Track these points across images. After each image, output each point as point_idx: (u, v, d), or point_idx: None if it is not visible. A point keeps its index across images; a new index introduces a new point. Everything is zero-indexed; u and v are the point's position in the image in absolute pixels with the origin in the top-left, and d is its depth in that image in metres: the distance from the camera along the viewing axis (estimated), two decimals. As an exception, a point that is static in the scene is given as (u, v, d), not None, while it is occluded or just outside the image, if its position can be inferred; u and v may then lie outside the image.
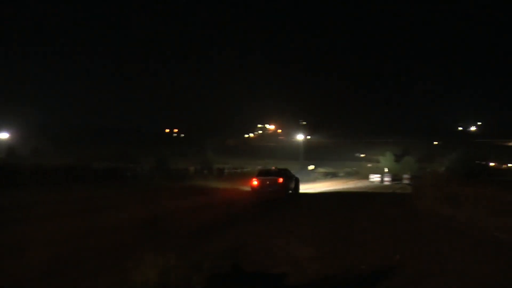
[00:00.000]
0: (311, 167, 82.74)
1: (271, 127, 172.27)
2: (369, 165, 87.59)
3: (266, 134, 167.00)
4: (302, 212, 13.47)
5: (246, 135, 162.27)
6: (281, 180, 21.58)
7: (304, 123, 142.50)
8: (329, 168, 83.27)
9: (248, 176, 46.36)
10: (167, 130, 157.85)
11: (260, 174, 23.20)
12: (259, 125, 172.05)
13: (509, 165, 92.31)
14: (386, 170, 71.38)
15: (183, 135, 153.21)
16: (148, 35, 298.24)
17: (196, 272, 5.43)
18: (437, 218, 11.76)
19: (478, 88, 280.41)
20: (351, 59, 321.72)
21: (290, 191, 22.38)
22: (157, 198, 17.75)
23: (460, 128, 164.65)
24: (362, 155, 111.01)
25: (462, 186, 14.09)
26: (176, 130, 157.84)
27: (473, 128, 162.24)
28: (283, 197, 19.89)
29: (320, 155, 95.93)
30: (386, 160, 77.98)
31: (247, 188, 23.67)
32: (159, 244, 6.98)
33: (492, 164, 75.19)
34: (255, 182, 21.80)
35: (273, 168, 25.38)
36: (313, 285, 5.56)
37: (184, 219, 11.39)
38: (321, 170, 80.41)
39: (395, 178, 47.94)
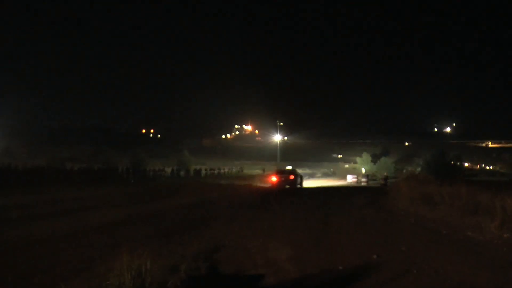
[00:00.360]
0: (288, 168, 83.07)
1: (248, 127, 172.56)
2: (346, 166, 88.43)
3: (243, 135, 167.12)
4: (277, 218, 13.52)
5: (223, 136, 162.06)
6: (292, 177, 30.32)
7: (281, 124, 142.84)
8: (306, 169, 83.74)
9: (225, 178, 46.39)
10: (144, 131, 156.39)
11: (277, 173, 32.12)
12: (236, 126, 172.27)
13: (483, 165, 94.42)
14: (363, 170, 72.12)
15: (159, 135, 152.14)
16: (124, 33, 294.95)
17: (172, 274, 5.39)
18: (413, 218, 11.93)
19: (453, 89, 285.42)
20: (329, 59, 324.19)
21: (298, 185, 30.36)
22: (124, 200, 17.57)
23: (435, 129, 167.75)
24: (339, 156, 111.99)
25: (437, 187, 14.34)
26: (152, 131, 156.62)
27: (448, 130, 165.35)
28: (294, 188, 28.24)
29: (297, 156, 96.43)
30: (363, 161, 78.77)
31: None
32: (135, 246, 6.91)
33: (466, 164, 76.78)
34: (274, 178, 30.53)
35: (286, 168, 37.19)
36: (290, 286, 5.58)
37: (162, 219, 11.30)
38: (298, 171, 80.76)
39: (372, 178, 48.42)
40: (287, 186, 28.92)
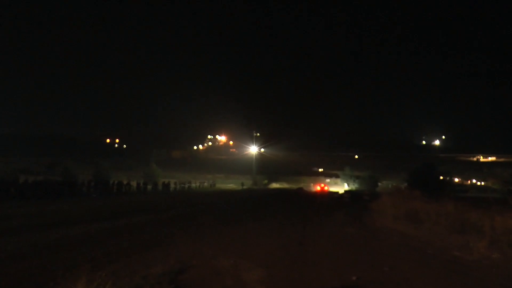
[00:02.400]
0: (263, 182, 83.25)
1: (222, 138, 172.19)
2: (327, 180, 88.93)
3: (216, 146, 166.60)
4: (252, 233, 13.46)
5: (195, 147, 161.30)
6: (326, 187, 54.45)
7: (258, 134, 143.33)
8: (284, 183, 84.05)
9: (195, 193, 46.07)
10: (108, 140, 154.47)
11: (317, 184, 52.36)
12: (209, 136, 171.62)
13: (474, 180, 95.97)
14: (345, 185, 72.67)
15: (125, 146, 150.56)
16: (86, 36, 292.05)
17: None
18: (397, 236, 12.00)
19: (443, 100, 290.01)
20: (310, 68, 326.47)
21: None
22: (84, 216, 17.25)
23: (423, 142, 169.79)
24: (320, 170, 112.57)
25: (423, 203, 14.47)
26: (117, 140, 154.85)
27: (437, 142, 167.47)
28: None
29: (275, 169, 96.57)
30: (345, 175, 79.43)
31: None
32: (95, 267, 6.73)
33: (456, 179, 77.97)
34: (318, 188, 61.59)
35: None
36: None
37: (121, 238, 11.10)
38: (275, 185, 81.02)
39: (354, 194, 48.74)
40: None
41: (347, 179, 77.39)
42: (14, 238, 10.82)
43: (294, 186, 75.36)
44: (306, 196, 43.93)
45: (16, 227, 13.12)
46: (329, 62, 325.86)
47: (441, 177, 45.10)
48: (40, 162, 75.53)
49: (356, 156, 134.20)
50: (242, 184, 71.97)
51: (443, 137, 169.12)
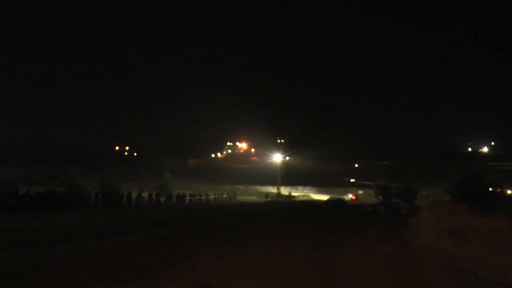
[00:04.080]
0: (291, 193, 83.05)
1: (242, 145, 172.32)
2: (360, 191, 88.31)
3: (236, 154, 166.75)
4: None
5: (212, 155, 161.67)
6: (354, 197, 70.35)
7: (282, 141, 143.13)
8: (311, 195, 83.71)
9: (213, 208, 46.11)
10: (117, 148, 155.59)
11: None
12: (228, 143, 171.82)
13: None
14: (380, 197, 72.03)
15: (135, 154, 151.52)
16: (99, 40, 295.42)
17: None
18: (440, 255, 11.76)
19: (491, 103, 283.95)
20: (339, 68, 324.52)
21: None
22: (89, 231, 17.35)
23: (469, 149, 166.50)
24: (352, 180, 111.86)
25: (470, 218, 14.20)
26: (127, 148, 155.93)
27: (485, 149, 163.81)
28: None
29: (301, 180, 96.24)
30: (379, 186, 78.68)
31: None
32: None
33: (509, 191, 76.44)
34: (354, 197, 74.01)
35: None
36: None
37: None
38: (301, 197, 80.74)
39: (390, 207, 48.27)
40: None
41: (381, 190, 76.60)
42: (14, 255, 10.92)
43: (323, 198, 74.94)
44: (336, 208, 43.63)
45: (16, 243, 13.22)
46: (360, 61, 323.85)
47: (491, 189, 44.26)
48: (42, 171, 76.51)
49: (391, 165, 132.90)
50: (267, 196, 71.93)
51: (492, 143, 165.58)
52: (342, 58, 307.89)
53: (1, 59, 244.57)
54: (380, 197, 72.93)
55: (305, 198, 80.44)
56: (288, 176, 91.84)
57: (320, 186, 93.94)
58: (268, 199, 68.35)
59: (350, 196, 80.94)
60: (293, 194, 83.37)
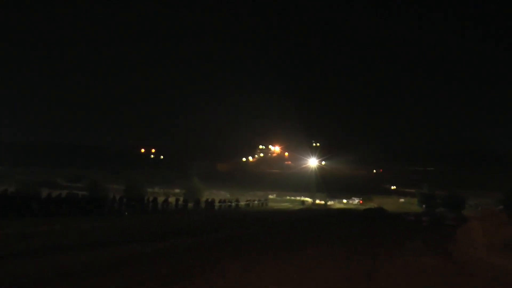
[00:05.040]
0: (328, 201, 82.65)
1: (275, 149, 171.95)
2: (401, 200, 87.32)
3: (268, 158, 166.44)
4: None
5: (243, 159, 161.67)
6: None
7: (318, 144, 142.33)
8: (349, 203, 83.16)
9: (244, 215, 46.07)
10: (142, 150, 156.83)
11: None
12: (261, 147, 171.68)
13: None
14: (423, 206, 71.20)
15: (162, 156, 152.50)
16: (119, 36, 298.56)
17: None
18: (492, 271, 11.50)
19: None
20: (378, 68, 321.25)
21: None
22: (114, 237, 17.50)
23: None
24: (393, 187, 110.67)
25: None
26: (153, 150, 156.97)
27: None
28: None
29: (338, 186, 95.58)
30: (423, 194, 77.69)
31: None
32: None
33: None
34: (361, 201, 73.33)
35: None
36: None
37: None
38: (338, 204, 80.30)
39: (435, 217, 47.60)
40: None
41: (425, 198, 75.60)
42: (35, 261, 11.06)
43: (361, 206, 74.39)
44: (375, 218, 43.22)
45: (38, 248, 13.42)
46: (399, 63, 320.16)
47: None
48: (65, 174, 77.79)
49: (436, 171, 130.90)
50: (303, 203, 71.75)
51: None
52: (380, 59, 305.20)
53: (23, 61, 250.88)
54: (424, 206, 72.06)
55: (342, 205, 79.97)
56: (324, 182, 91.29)
57: (358, 193, 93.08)
58: (303, 207, 68.13)
59: (356, 201, 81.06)
60: (329, 201, 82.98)
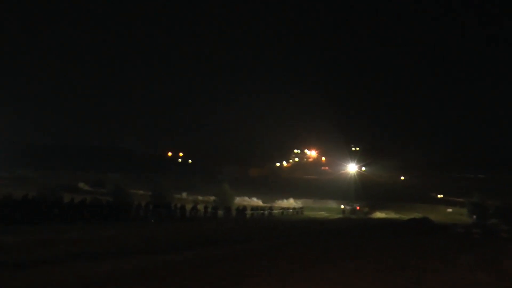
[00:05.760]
0: (364, 209, 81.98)
1: (311, 153, 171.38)
2: (449, 210, 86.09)
3: (304, 163, 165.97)
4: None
5: (277, 164, 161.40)
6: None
7: (357, 149, 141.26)
8: (391, 212, 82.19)
9: (278, 224, 45.95)
10: (169, 154, 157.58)
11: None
12: (296, 151, 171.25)
13: None
14: (473, 217, 70.10)
15: (190, 160, 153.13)
16: (153, 41, 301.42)
17: None
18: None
19: None
20: (423, 64, 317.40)
21: None
22: (139, 245, 17.58)
23: None
24: (440, 196, 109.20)
25: None
26: (181, 154, 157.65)
27: None
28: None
29: (379, 194, 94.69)
30: (473, 204, 76.39)
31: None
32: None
33: None
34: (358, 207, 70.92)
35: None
36: None
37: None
38: (379, 214, 79.54)
39: (487, 228, 46.85)
40: None
41: (475, 208, 74.33)
42: (58, 269, 11.18)
43: (404, 216, 73.46)
44: (421, 229, 42.70)
45: (61, 255, 13.57)
46: (444, 66, 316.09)
47: None
48: (87, 178, 78.68)
49: (487, 179, 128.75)
50: (343, 212, 71.41)
51: None
52: (426, 60, 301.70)
53: (45, 63, 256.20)
54: (474, 216, 70.87)
55: (383, 215, 79.18)
56: (364, 189, 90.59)
57: (401, 202, 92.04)
58: (340, 216, 67.70)
59: (354, 206, 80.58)
60: (367, 210, 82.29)
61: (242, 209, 50.53)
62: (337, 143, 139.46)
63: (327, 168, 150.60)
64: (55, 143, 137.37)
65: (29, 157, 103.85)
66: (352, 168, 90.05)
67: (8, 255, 13.33)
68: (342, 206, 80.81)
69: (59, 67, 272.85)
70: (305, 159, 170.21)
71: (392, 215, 79.59)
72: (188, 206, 42.67)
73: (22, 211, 26.88)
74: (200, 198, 68.52)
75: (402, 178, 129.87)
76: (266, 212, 56.23)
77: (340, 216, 67.40)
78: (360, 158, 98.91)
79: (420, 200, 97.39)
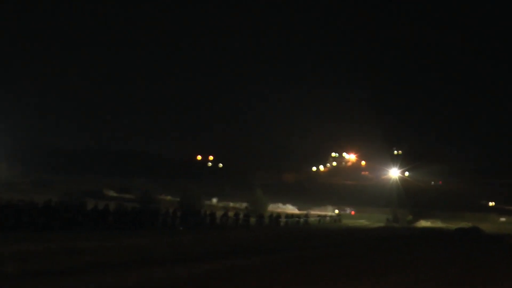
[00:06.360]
0: (407, 218, 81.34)
1: (350, 157, 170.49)
2: (502, 219, 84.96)
3: (342, 168, 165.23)
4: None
5: (314, 168, 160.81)
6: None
7: (400, 152, 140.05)
8: (437, 221, 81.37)
9: (314, 233, 45.87)
10: (199, 157, 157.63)
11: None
12: (333, 155, 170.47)
13: None
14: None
15: (221, 165, 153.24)
16: (184, 43, 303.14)
17: None
18: None
19: None
20: (472, 58, 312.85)
21: None
22: (168, 254, 17.66)
23: None
24: (491, 204, 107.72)
25: None
26: (211, 158, 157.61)
27: None
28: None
29: (424, 201, 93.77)
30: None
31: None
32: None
33: None
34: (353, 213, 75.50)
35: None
36: None
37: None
38: (424, 223, 78.84)
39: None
40: None
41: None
42: (82, 279, 11.28)
43: (452, 225, 72.57)
44: (470, 239, 42.16)
45: (84, 265, 13.68)
46: (501, 59, 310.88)
47: None
48: (111, 183, 79.46)
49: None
50: (389, 220, 70.94)
51: None
52: (476, 59, 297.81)
53: (70, 66, 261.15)
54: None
55: (428, 224, 78.39)
56: (408, 196, 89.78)
57: (448, 210, 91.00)
58: (382, 224, 67.22)
59: (348, 210, 79.69)
60: (411, 218, 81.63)
61: (275, 217, 50.44)
62: (378, 146, 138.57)
63: (367, 173, 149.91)
64: (80, 148, 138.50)
65: (53, 162, 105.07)
66: (394, 173, 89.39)
67: (29, 263, 13.49)
68: (380, 214, 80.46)
69: (85, 72, 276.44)
70: (343, 163, 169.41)
71: (438, 224, 78.76)
72: (219, 214, 42.71)
73: (45, 217, 27.22)
74: (231, 204, 68.81)
75: (449, 184, 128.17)
76: (301, 220, 56.05)
77: (381, 224, 66.91)
78: (403, 162, 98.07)
79: (469, 208, 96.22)
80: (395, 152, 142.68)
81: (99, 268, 13.20)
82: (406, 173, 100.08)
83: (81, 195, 47.66)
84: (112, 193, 71.54)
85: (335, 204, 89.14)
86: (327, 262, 18.16)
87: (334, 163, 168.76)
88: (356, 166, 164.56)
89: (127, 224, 30.90)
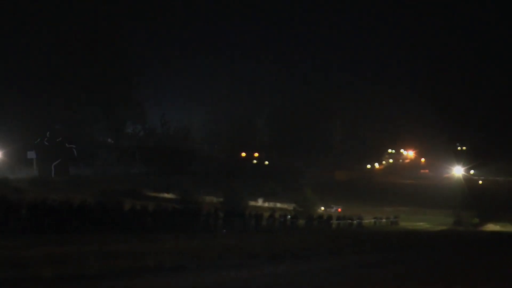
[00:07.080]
0: (472, 220, 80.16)
1: (408, 154, 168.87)
2: None
3: (400, 165, 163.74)
4: None
5: (368, 166, 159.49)
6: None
7: (463, 148, 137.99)
8: (508, 225, 79.91)
9: (369, 236, 45.44)
10: (243, 154, 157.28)
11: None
12: (390, 151, 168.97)
13: None
14: None
15: (267, 162, 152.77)
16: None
17: None
18: None
19: None
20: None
21: None
22: (216, 257, 17.68)
23: None
24: None
25: None
26: (256, 155, 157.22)
27: None
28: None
29: (492, 203, 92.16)
30: None
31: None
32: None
33: None
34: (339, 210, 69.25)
35: None
36: None
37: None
38: (492, 226, 77.56)
39: None
40: None
41: None
42: (121, 284, 11.39)
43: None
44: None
45: (124, 269, 13.81)
46: None
47: None
48: (149, 181, 79.97)
49: None
50: (457, 223, 70.02)
51: None
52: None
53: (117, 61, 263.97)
54: None
55: (497, 228, 76.98)
56: (474, 197, 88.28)
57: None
58: (444, 227, 66.39)
59: (334, 208, 77.44)
60: (477, 221, 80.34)
61: (326, 218, 50.27)
62: (440, 142, 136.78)
63: (426, 171, 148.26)
64: (114, 143, 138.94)
65: (89, 159, 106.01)
66: (458, 171, 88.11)
67: (63, 267, 13.66)
68: (442, 216, 79.43)
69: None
70: (400, 160, 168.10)
71: (509, 228, 77.20)
72: (265, 215, 42.73)
73: (80, 218, 27.60)
74: (278, 205, 68.73)
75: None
76: (354, 221, 55.75)
77: (443, 227, 66.05)
78: (468, 159, 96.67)
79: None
80: (459, 148, 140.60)
81: (137, 273, 13.33)
82: (471, 171, 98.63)
83: (118, 195, 48.03)
84: (150, 193, 71.85)
85: (390, 205, 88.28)
86: (384, 269, 17.99)
87: (391, 160, 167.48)
88: (414, 163, 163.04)
89: (166, 226, 31.12)
